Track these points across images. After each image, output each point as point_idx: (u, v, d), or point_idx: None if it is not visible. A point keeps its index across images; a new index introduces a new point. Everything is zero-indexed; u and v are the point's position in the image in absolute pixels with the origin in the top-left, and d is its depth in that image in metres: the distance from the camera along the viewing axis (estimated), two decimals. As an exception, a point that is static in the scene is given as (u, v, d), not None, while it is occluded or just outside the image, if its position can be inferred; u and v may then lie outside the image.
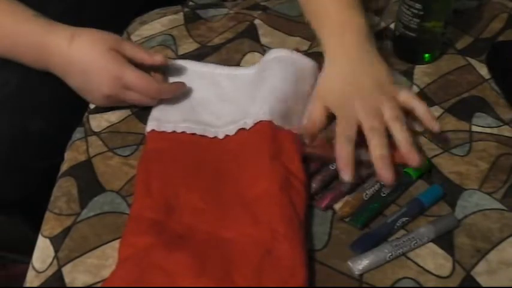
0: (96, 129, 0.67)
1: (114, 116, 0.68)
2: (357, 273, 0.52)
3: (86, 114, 0.69)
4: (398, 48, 0.75)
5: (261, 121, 0.60)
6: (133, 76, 0.63)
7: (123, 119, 0.68)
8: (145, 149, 0.63)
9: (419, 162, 0.56)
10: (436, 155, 0.62)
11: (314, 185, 0.58)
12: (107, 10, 0.81)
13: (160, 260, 0.51)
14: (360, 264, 0.52)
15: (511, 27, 0.80)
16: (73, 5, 0.77)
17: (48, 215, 0.59)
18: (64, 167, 0.63)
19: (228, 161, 0.60)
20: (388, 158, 0.56)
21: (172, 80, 0.70)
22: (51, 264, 0.55)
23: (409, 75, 0.72)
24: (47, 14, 0.67)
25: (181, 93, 0.68)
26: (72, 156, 0.64)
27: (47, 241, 0.57)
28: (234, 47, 0.77)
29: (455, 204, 0.58)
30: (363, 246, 0.53)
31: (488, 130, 0.65)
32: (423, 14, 0.68)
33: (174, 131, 0.63)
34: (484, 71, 0.73)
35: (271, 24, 0.80)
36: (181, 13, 0.84)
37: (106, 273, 0.53)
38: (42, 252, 0.56)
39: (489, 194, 0.59)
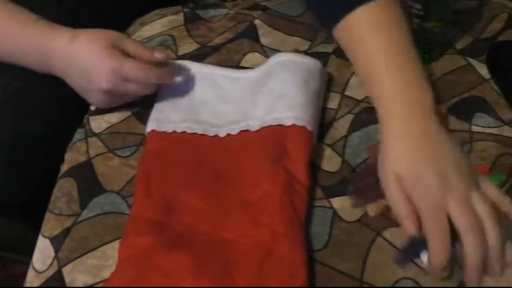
0: (96, 130, 0.67)
1: (114, 117, 0.68)
2: (424, 262, 0.51)
3: (86, 115, 0.69)
4: (398, 48, 0.75)
5: (269, 126, 0.61)
6: (131, 66, 0.62)
7: (123, 120, 0.68)
8: (146, 149, 0.63)
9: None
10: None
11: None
12: (107, 11, 0.81)
13: (160, 260, 0.51)
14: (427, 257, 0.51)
15: (511, 27, 0.80)
16: (73, 7, 0.77)
17: (48, 215, 0.59)
18: (64, 167, 0.63)
19: (230, 161, 0.60)
20: (480, 264, 0.49)
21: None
22: (51, 264, 0.55)
23: (409, 75, 0.72)
24: (47, 16, 0.67)
25: (182, 94, 0.68)
26: (72, 157, 0.64)
27: (47, 241, 0.57)
28: (234, 47, 0.77)
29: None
30: (405, 257, 0.52)
31: (488, 130, 0.65)
32: (423, 14, 0.68)
33: (174, 131, 0.63)
34: (484, 71, 0.73)
35: (271, 24, 0.80)
36: (181, 13, 0.83)
37: (106, 273, 0.53)
38: (43, 253, 0.56)
39: (489, 194, 0.58)
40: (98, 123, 0.68)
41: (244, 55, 0.75)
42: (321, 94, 0.67)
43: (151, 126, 0.64)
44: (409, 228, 0.51)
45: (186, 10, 0.84)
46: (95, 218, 0.58)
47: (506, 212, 0.52)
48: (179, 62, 0.72)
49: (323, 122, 0.66)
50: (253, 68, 0.71)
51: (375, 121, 0.66)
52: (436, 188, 0.50)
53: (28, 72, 0.67)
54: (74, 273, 0.54)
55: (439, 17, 0.70)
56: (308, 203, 0.57)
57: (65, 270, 0.54)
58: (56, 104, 0.71)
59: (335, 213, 0.57)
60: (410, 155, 0.53)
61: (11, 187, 0.69)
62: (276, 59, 0.68)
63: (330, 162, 0.62)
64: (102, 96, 0.65)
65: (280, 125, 0.60)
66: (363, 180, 0.59)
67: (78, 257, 0.55)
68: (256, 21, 0.81)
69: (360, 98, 0.69)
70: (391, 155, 0.54)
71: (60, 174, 0.63)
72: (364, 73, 0.61)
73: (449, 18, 0.72)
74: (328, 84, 0.70)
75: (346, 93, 0.70)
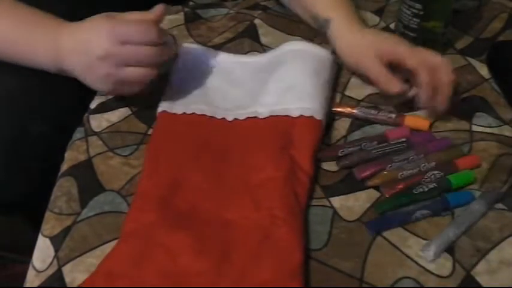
0: (96, 129, 0.67)
1: (114, 116, 0.68)
2: (430, 260, 0.53)
3: (86, 114, 0.69)
4: (399, 48, 0.75)
5: (277, 115, 0.62)
6: (126, 23, 0.61)
7: (123, 119, 0.68)
8: (156, 129, 0.64)
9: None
10: (436, 155, 0.62)
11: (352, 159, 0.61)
12: (107, 10, 0.81)
13: (162, 237, 0.53)
14: (431, 251, 0.53)
15: (511, 27, 0.80)
16: (73, 5, 0.77)
17: (48, 214, 0.59)
18: (64, 166, 0.63)
19: (236, 145, 0.61)
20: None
21: (182, 64, 0.71)
22: (51, 263, 0.55)
23: (409, 75, 0.72)
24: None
25: (191, 77, 0.69)
26: (72, 156, 0.64)
27: (47, 241, 0.56)
28: (234, 47, 0.77)
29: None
30: (376, 226, 0.55)
31: (488, 130, 0.65)
32: (423, 14, 0.68)
33: (184, 113, 0.65)
34: (484, 71, 0.73)
35: (271, 24, 0.80)
36: (182, 13, 0.84)
37: (106, 272, 0.53)
38: (43, 252, 0.56)
39: (489, 193, 0.59)
40: (98, 122, 0.68)
41: (244, 54, 0.75)
42: (330, 84, 0.68)
43: (162, 106, 0.66)
44: (397, 86, 0.63)
45: (186, 9, 0.84)
46: (94, 217, 0.58)
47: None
48: (189, 46, 0.73)
49: (323, 122, 0.66)
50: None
51: (375, 121, 0.66)
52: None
53: (28, 71, 0.67)
54: (74, 273, 0.53)
55: (439, 17, 0.70)
56: (310, 191, 0.58)
57: (65, 270, 0.54)
58: (56, 103, 0.71)
59: (335, 212, 0.57)
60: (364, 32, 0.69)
61: (11, 186, 0.69)
62: (287, 47, 0.69)
63: (330, 161, 0.62)
64: (102, 74, 0.61)
65: (288, 116, 0.62)
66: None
67: (78, 256, 0.55)
68: (257, 21, 0.81)
69: (360, 98, 0.69)
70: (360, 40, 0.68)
71: (60, 173, 0.63)
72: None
73: (449, 18, 0.72)
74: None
75: (346, 93, 0.70)
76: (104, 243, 0.55)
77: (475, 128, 0.66)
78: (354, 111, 0.66)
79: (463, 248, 0.54)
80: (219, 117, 0.65)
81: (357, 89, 0.70)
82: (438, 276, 0.52)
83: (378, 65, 0.65)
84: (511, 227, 0.55)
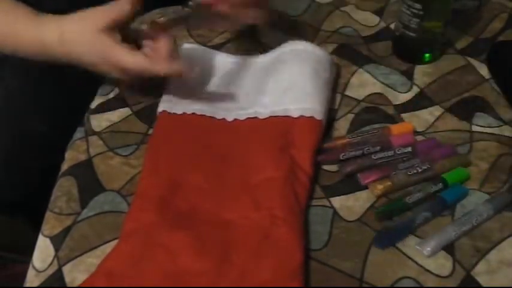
0: (96, 129, 0.67)
1: (114, 116, 0.68)
2: (426, 254, 0.53)
3: (87, 114, 0.69)
4: (398, 48, 0.75)
5: (277, 116, 0.62)
6: (125, 60, 0.60)
7: (123, 119, 0.68)
8: (156, 128, 0.64)
9: None
10: (436, 155, 0.62)
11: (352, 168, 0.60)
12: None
13: (162, 237, 0.53)
14: (428, 246, 0.53)
15: (511, 27, 0.80)
16: (72, 3, 0.77)
17: (48, 214, 0.59)
18: (64, 166, 0.63)
19: (236, 145, 0.62)
20: None
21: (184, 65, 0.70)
22: (51, 263, 0.55)
23: (409, 75, 0.72)
24: (44, 11, 0.66)
25: (191, 77, 0.68)
26: (72, 155, 0.64)
27: (47, 240, 0.57)
28: (234, 47, 0.77)
29: (456, 204, 0.58)
30: (384, 241, 0.54)
31: (488, 130, 0.65)
32: (423, 14, 0.68)
33: (184, 113, 0.65)
34: (484, 71, 0.73)
35: (271, 23, 0.80)
36: (182, 13, 0.84)
37: (106, 272, 0.53)
38: (43, 252, 0.56)
39: (489, 193, 0.58)
40: (98, 121, 0.68)
41: (244, 55, 0.75)
42: (330, 84, 0.68)
43: (162, 107, 0.66)
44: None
45: (186, 9, 0.84)
46: (95, 217, 0.58)
47: None
48: (189, 46, 0.73)
49: (323, 122, 0.66)
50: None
51: (375, 121, 0.66)
52: None
53: (28, 70, 0.67)
54: (74, 272, 0.53)
55: (438, 17, 0.70)
56: (310, 191, 0.58)
57: (65, 269, 0.54)
58: (56, 102, 0.71)
59: (335, 212, 0.57)
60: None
61: (11, 185, 0.69)
62: (287, 47, 0.69)
63: (330, 161, 0.62)
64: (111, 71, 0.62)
65: (288, 116, 0.62)
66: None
67: (78, 256, 0.55)
68: (257, 21, 0.81)
69: (360, 98, 0.69)
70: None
71: (60, 173, 0.63)
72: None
73: (449, 18, 0.72)
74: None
75: (346, 93, 0.70)
76: (104, 243, 0.55)
77: (475, 128, 0.66)
78: (346, 140, 0.64)
79: (463, 248, 0.54)
80: (219, 118, 0.65)
81: (357, 89, 0.70)
82: (438, 276, 0.52)
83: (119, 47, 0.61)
84: (511, 227, 0.56)
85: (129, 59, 0.60)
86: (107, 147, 0.65)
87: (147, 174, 0.59)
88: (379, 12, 0.83)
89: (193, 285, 0.50)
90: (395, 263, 0.53)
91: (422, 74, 0.73)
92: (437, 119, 0.67)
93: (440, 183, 0.58)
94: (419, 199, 0.57)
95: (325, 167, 0.61)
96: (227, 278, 0.50)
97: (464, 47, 0.77)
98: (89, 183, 0.61)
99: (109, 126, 0.67)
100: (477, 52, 0.75)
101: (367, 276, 0.52)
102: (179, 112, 0.65)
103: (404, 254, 0.53)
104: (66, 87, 0.66)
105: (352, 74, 0.72)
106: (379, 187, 0.58)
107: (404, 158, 0.61)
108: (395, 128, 0.64)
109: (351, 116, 0.67)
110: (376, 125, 0.65)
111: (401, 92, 0.70)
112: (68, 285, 0.53)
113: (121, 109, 0.69)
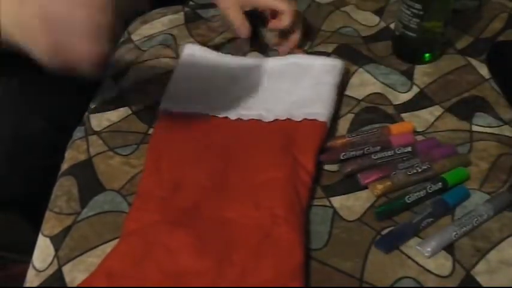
0: (96, 129, 0.67)
1: (114, 115, 0.68)
2: (426, 255, 0.53)
3: (87, 113, 0.69)
4: (398, 48, 0.75)
5: (282, 119, 0.63)
6: None
7: (123, 118, 0.68)
8: (157, 127, 0.65)
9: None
10: (436, 155, 0.62)
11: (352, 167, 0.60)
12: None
13: (163, 237, 0.53)
14: (429, 247, 0.53)
15: (511, 27, 0.80)
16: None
17: (48, 214, 0.59)
18: (64, 166, 0.63)
19: (238, 144, 0.62)
20: None
21: (186, 64, 0.71)
22: (51, 263, 0.55)
23: (409, 75, 0.72)
24: None
25: (194, 76, 0.69)
26: (72, 155, 0.64)
27: (47, 240, 0.56)
28: (234, 47, 0.77)
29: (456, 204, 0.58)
30: (387, 245, 0.54)
31: (488, 130, 0.65)
32: (423, 14, 0.68)
33: (185, 111, 0.65)
34: (484, 70, 0.73)
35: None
36: (182, 13, 0.84)
37: (106, 272, 0.53)
38: (43, 252, 0.56)
39: (489, 193, 0.58)
40: (98, 121, 0.68)
41: (244, 54, 0.75)
42: (337, 88, 0.68)
43: (164, 105, 0.66)
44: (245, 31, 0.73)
45: (186, 9, 0.84)
46: (95, 217, 0.58)
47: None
48: (189, 45, 0.73)
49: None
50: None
51: (375, 121, 0.66)
52: None
53: (28, 70, 0.67)
54: (74, 272, 0.53)
55: (438, 17, 0.70)
56: (312, 190, 0.58)
57: (65, 269, 0.54)
58: (57, 102, 0.71)
59: (335, 212, 0.57)
60: None
61: (11, 185, 0.69)
62: (292, 59, 0.70)
63: (330, 160, 0.62)
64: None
65: (291, 120, 0.63)
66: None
67: (78, 255, 0.55)
68: (257, 21, 0.81)
69: (360, 98, 0.69)
70: None
71: (60, 173, 0.63)
72: None
73: (449, 18, 0.72)
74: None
75: (346, 93, 0.70)
76: (104, 243, 0.55)
77: (475, 128, 0.66)
78: (346, 140, 0.64)
79: (463, 248, 0.54)
80: (221, 116, 0.65)
81: (357, 89, 0.71)
82: (438, 276, 0.52)
83: (237, 11, 0.73)
84: (511, 227, 0.55)
85: None
86: (107, 147, 0.65)
87: (148, 173, 0.59)
88: (379, 12, 0.83)
89: (194, 285, 0.50)
90: (395, 262, 0.53)
91: (422, 74, 0.73)
92: (437, 118, 0.67)
93: (440, 183, 0.58)
94: (419, 199, 0.57)
95: (325, 167, 0.61)
96: (227, 278, 0.50)
97: (464, 47, 0.77)
98: (89, 182, 0.61)
99: (109, 125, 0.67)
100: (477, 52, 0.75)
101: (367, 276, 0.52)
102: (181, 111, 0.65)
103: (404, 253, 0.53)
104: (67, 86, 0.66)
105: (352, 74, 0.72)
106: (379, 187, 0.58)
107: (404, 158, 0.61)
108: (395, 128, 0.64)
109: (350, 116, 0.67)
110: (376, 125, 0.65)
111: (401, 92, 0.70)
112: (68, 285, 0.53)
113: (121, 109, 0.69)
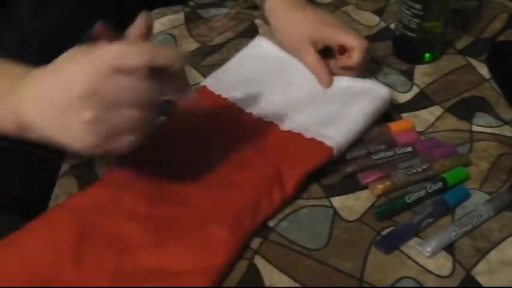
0: (96, 129, 0.67)
1: (114, 116, 0.68)
2: (427, 255, 0.53)
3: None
4: (398, 48, 0.75)
5: (295, 132, 0.62)
6: (108, 47, 0.46)
7: (123, 119, 0.68)
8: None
9: None
10: (436, 155, 0.62)
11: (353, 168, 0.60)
12: (108, 10, 0.81)
13: (130, 194, 0.56)
14: (429, 247, 0.53)
15: (511, 27, 0.80)
16: (73, 7, 0.77)
17: (48, 214, 0.59)
18: (65, 166, 0.63)
19: (243, 140, 0.62)
20: None
21: (247, 52, 0.72)
22: (51, 263, 0.54)
23: (409, 75, 0.72)
24: (48, 16, 0.66)
25: (248, 67, 0.70)
26: (73, 155, 0.64)
27: (48, 240, 0.56)
28: (234, 47, 0.77)
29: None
30: (388, 245, 0.54)
31: (488, 130, 0.65)
32: (423, 14, 0.68)
33: (219, 95, 0.66)
34: (484, 70, 0.73)
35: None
36: (182, 13, 0.84)
37: (107, 272, 0.53)
38: (43, 252, 0.56)
39: (489, 193, 0.59)
40: (99, 122, 0.68)
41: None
42: (366, 117, 0.63)
43: (206, 82, 0.68)
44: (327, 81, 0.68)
45: (186, 9, 0.84)
46: (95, 217, 0.58)
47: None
48: (260, 37, 0.74)
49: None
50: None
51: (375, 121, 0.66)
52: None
53: (28, 68, 0.67)
54: (75, 272, 0.53)
55: (438, 17, 0.70)
56: (276, 210, 0.56)
57: (66, 269, 0.54)
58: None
59: (335, 212, 0.57)
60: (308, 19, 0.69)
61: (11, 185, 0.69)
62: (345, 82, 0.68)
63: (331, 161, 0.62)
64: (85, 119, 0.45)
65: (301, 135, 0.61)
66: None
67: (79, 255, 0.55)
68: (257, 21, 0.82)
69: (360, 98, 0.69)
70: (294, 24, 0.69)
71: (60, 173, 0.63)
72: None
73: (449, 18, 0.72)
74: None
75: (347, 92, 0.70)
76: (105, 243, 0.55)
77: (475, 128, 0.66)
78: None
79: (463, 248, 0.54)
80: (247, 111, 0.65)
81: (357, 89, 0.70)
82: (438, 276, 0.52)
83: (312, 52, 0.68)
84: (511, 227, 0.56)
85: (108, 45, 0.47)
86: (107, 147, 0.65)
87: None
88: (379, 12, 0.83)
89: (136, 247, 0.51)
90: (395, 263, 0.53)
91: (422, 74, 0.73)
92: (438, 118, 0.67)
93: (440, 183, 0.58)
94: (419, 198, 0.57)
95: (325, 167, 0.61)
96: (154, 252, 0.51)
97: (464, 47, 0.77)
98: (89, 182, 0.61)
99: (109, 126, 0.67)
100: (477, 52, 0.75)
101: (367, 276, 0.52)
102: (217, 93, 0.66)
103: (404, 254, 0.53)
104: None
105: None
106: (379, 187, 0.58)
107: (404, 158, 0.61)
108: (394, 126, 0.64)
109: (351, 116, 0.67)
110: (376, 126, 0.65)
111: (401, 92, 0.70)
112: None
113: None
